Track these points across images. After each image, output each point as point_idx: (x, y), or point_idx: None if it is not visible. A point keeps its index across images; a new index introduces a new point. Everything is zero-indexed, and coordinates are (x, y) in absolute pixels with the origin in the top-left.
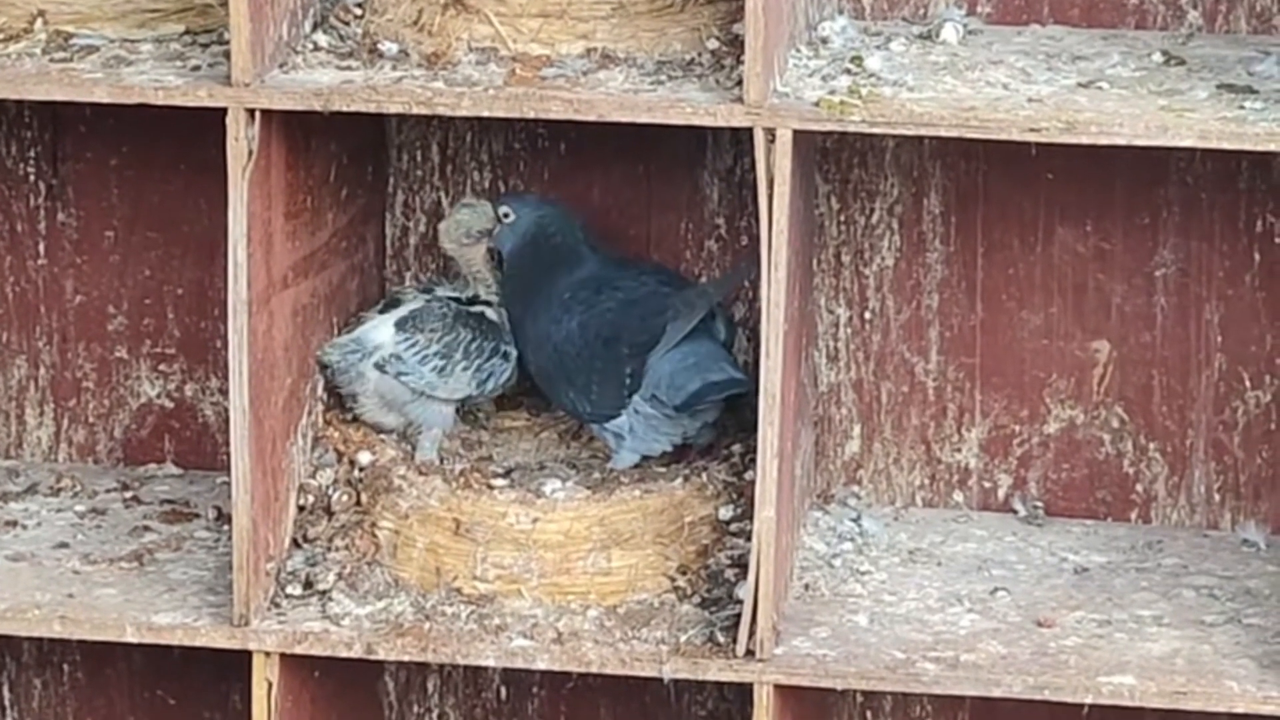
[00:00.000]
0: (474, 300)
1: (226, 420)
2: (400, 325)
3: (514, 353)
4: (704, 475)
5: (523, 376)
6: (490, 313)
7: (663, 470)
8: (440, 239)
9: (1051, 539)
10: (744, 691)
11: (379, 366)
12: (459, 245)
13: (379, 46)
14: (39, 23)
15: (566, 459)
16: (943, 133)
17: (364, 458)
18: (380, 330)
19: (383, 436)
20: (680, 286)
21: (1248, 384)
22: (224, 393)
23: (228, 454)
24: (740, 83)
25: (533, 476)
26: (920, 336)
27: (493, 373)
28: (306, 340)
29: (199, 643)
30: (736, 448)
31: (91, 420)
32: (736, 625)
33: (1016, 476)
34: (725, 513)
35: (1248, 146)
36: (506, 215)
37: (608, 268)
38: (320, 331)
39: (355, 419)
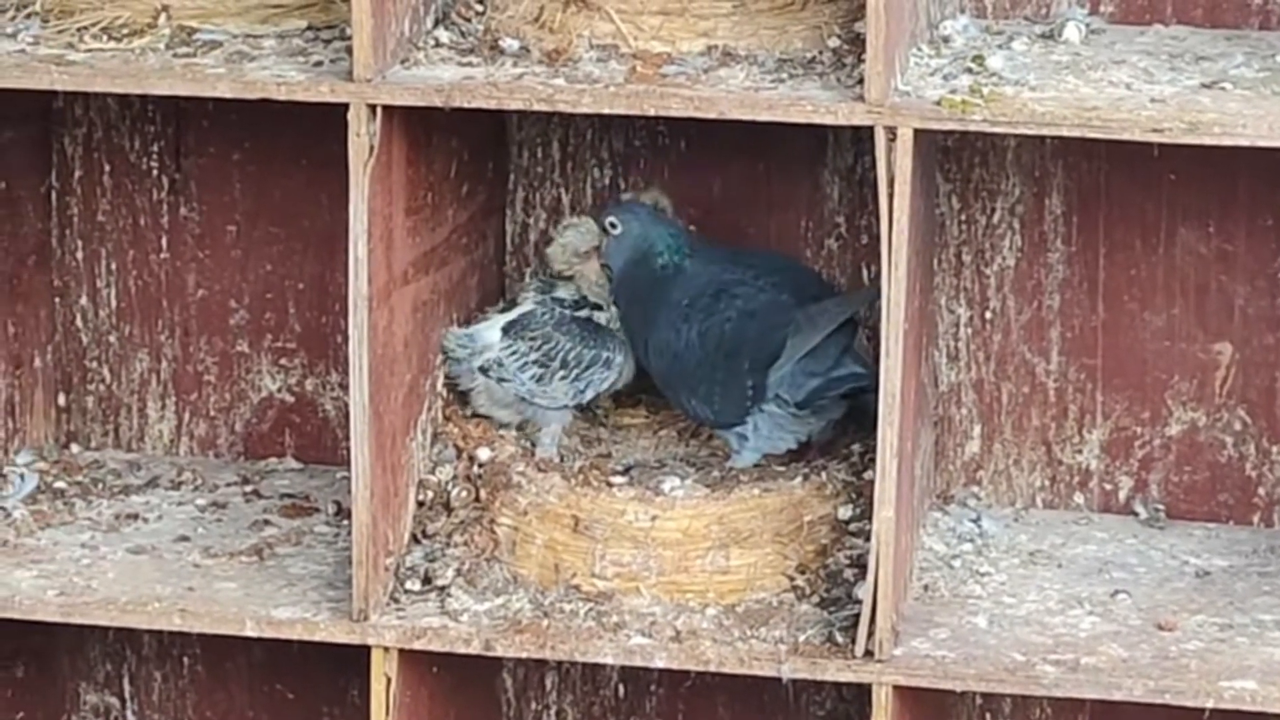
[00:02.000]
0: (582, 303)
1: (346, 415)
2: (506, 330)
3: (619, 359)
4: (823, 474)
5: (640, 373)
6: (601, 316)
7: (782, 469)
8: (549, 261)
9: (1173, 542)
10: (862, 692)
11: (483, 370)
12: (569, 266)
13: (500, 43)
14: (163, 18)
15: (685, 457)
16: (1065, 132)
17: (483, 454)
18: (491, 331)
19: (501, 432)
20: (798, 286)
21: None
22: (344, 388)
23: (348, 449)
24: (861, 81)
25: (651, 474)
26: (1041, 337)
27: (591, 382)
28: (426, 336)
29: (318, 637)
30: (856, 447)
31: (213, 414)
32: (855, 625)
33: (1138, 479)
34: (844, 512)
35: None
36: (614, 226)
37: (722, 266)
38: (440, 327)
39: (474, 415)
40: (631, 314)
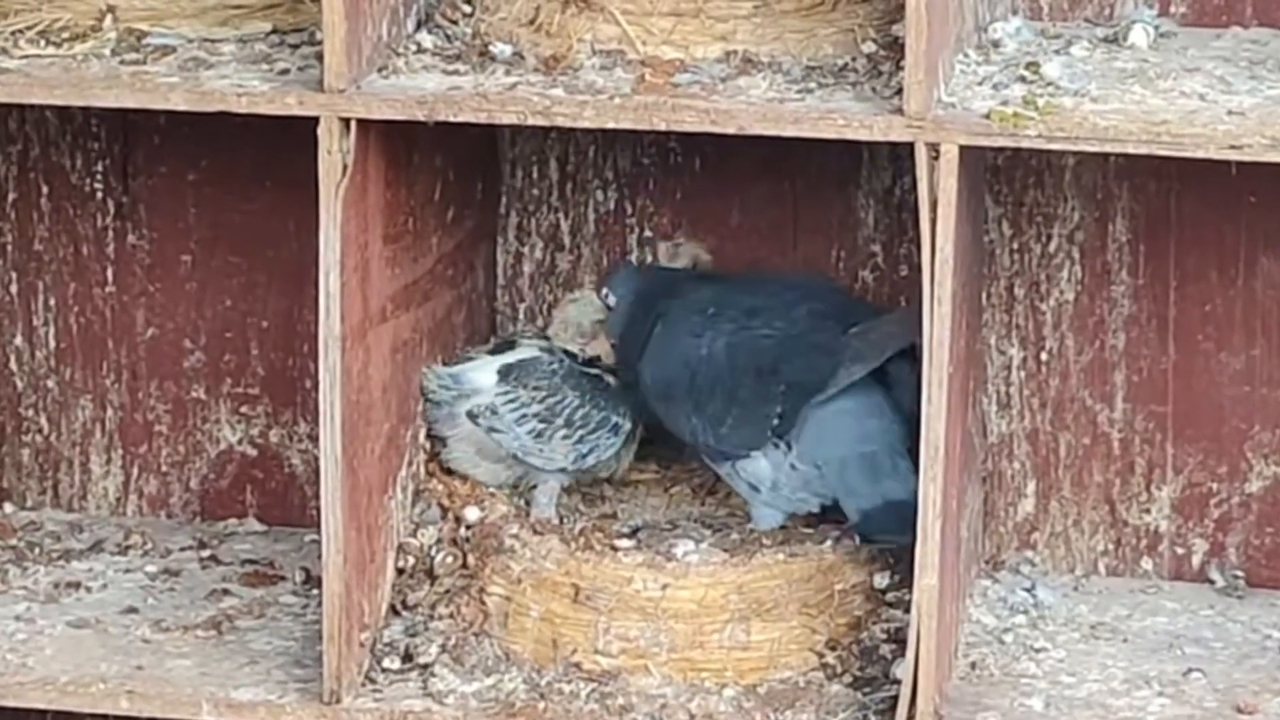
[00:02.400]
0: (593, 361)
1: (316, 470)
2: (504, 374)
3: (626, 426)
4: (856, 538)
5: (649, 428)
6: (611, 378)
7: (809, 531)
8: (554, 340)
9: (1253, 613)
10: None
11: (471, 416)
12: (576, 344)
13: (491, 48)
14: (108, 20)
15: (701, 517)
16: (1130, 149)
17: (471, 514)
18: (483, 373)
19: (493, 490)
20: (838, 313)
21: None
22: (314, 439)
23: (317, 508)
24: (900, 91)
25: (662, 537)
26: (1104, 381)
27: (596, 447)
28: (408, 380)
29: None
30: None
31: (164, 469)
32: (893, 709)
33: (1214, 542)
34: (881, 580)
35: None
36: (608, 298)
37: (756, 285)
38: (423, 369)
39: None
40: (629, 335)
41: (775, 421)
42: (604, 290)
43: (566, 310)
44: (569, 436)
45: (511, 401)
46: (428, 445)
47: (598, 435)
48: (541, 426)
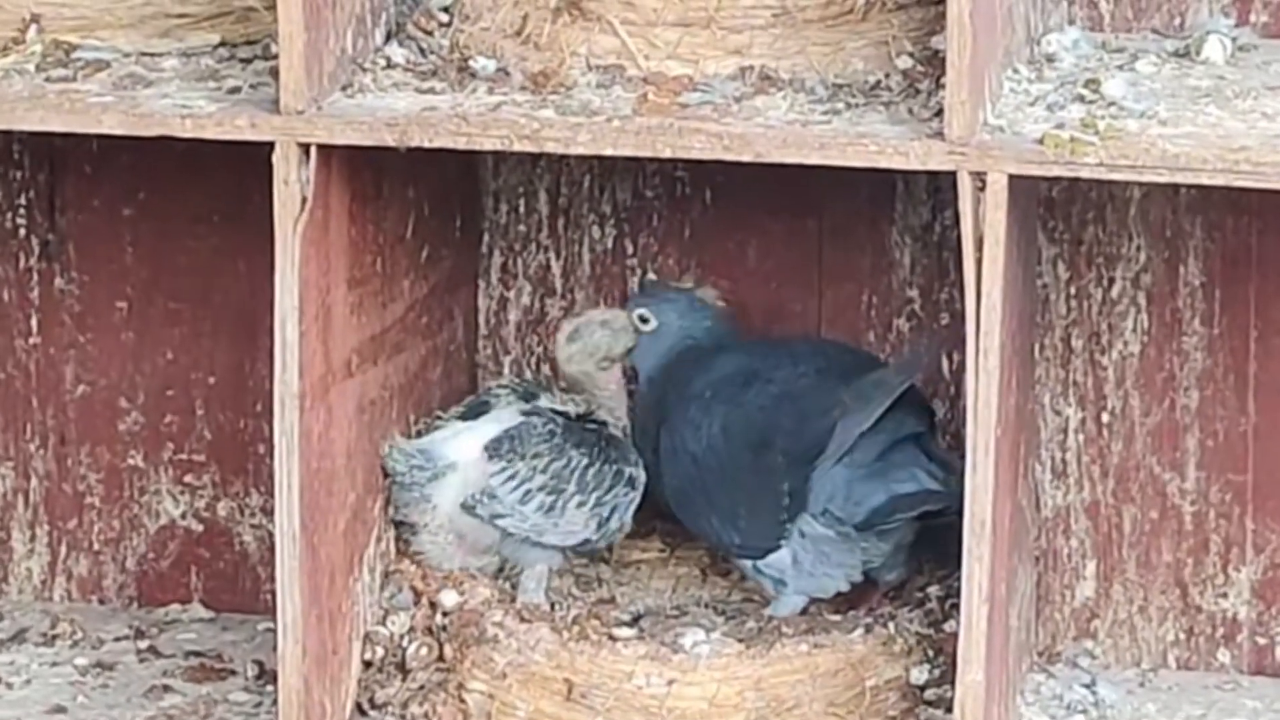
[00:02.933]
0: (587, 416)
1: (271, 548)
2: (494, 451)
3: (641, 477)
4: (891, 625)
5: (654, 498)
6: (610, 428)
7: (836, 618)
8: (564, 363)
9: None
10: None
11: (467, 508)
12: (591, 372)
13: (471, 63)
14: (32, 31)
15: (711, 602)
16: (1205, 180)
17: (449, 599)
18: (459, 444)
19: (474, 572)
20: (853, 369)
21: None
22: (268, 512)
23: (272, 592)
24: (940, 113)
25: (667, 625)
26: (1174, 446)
27: (616, 507)
28: (375, 445)
29: None
30: (933, 589)
31: (97, 547)
32: None
33: None
34: (919, 675)
35: None
36: (645, 321)
37: (761, 354)
38: (393, 433)
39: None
40: (644, 417)
41: (787, 502)
42: (638, 311)
43: (595, 335)
44: (584, 503)
45: (510, 479)
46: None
47: (615, 494)
48: (551, 499)
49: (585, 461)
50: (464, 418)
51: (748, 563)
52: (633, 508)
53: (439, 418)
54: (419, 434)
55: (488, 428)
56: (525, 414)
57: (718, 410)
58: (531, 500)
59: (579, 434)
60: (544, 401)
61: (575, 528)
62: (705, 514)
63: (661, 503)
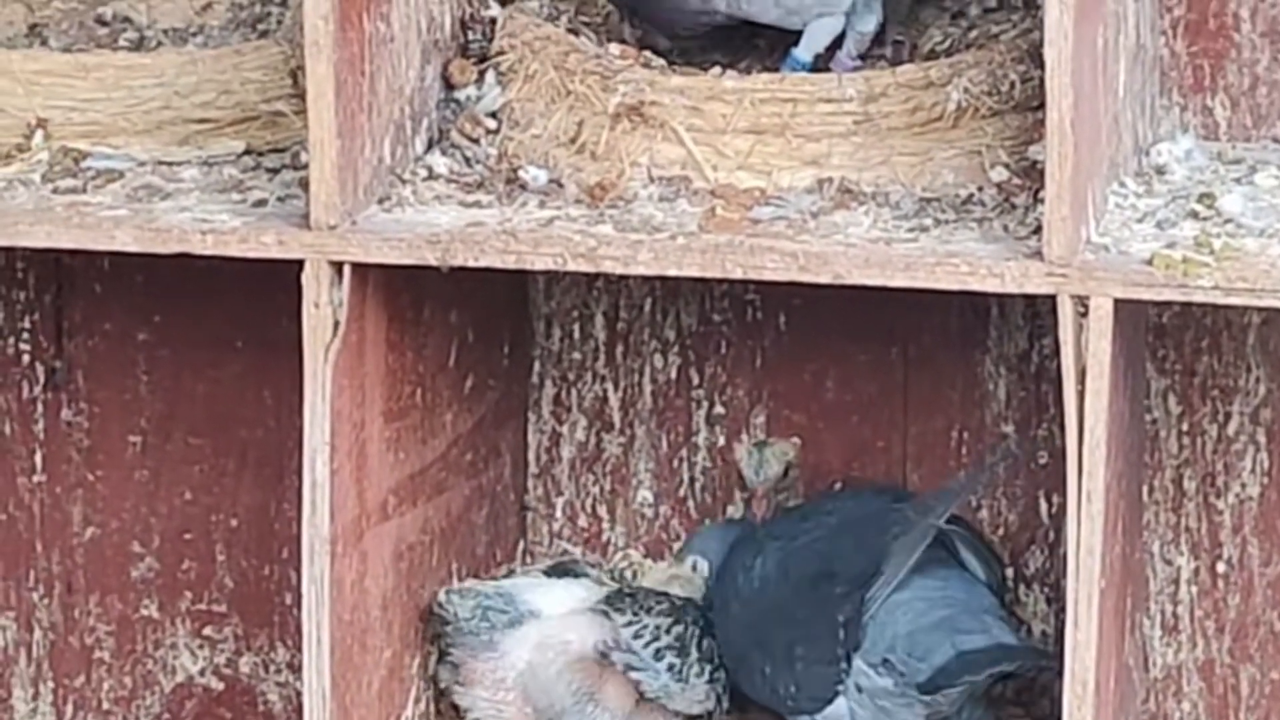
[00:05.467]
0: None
1: (299, 709)
2: (613, 603)
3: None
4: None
5: None
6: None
7: None
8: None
9: None
10: None
11: (603, 654)
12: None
13: (521, 174)
14: (38, 136)
15: None
16: None
17: None
18: (546, 595)
19: None
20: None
21: None
22: (295, 669)
23: None
24: (1038, 230)
25: None
26: None
27: (720, 682)
28: (413, 594)
29: None
30: None
31: (106, 706)
32: None
33: None
34: None
35: None
36: (695, 567)
37: (826, 498)
38: (433, 583)
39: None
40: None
41: (842, 635)
42: (690, 559)
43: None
44: (702, 673)
45: (640, 633)
46: (442, 675)
47: (720, 669)
48: (678, 661)
49: (698, 631)
50: (548, 574)
51: (805, 718)
52: (725, 688)
53: (511, 571)
54: (478, 575)
55: (580, 590)
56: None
57: (772, 548)
58: (663, 658)
59: (685, 607)
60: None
61: (699, 696)
62: (757, 664)
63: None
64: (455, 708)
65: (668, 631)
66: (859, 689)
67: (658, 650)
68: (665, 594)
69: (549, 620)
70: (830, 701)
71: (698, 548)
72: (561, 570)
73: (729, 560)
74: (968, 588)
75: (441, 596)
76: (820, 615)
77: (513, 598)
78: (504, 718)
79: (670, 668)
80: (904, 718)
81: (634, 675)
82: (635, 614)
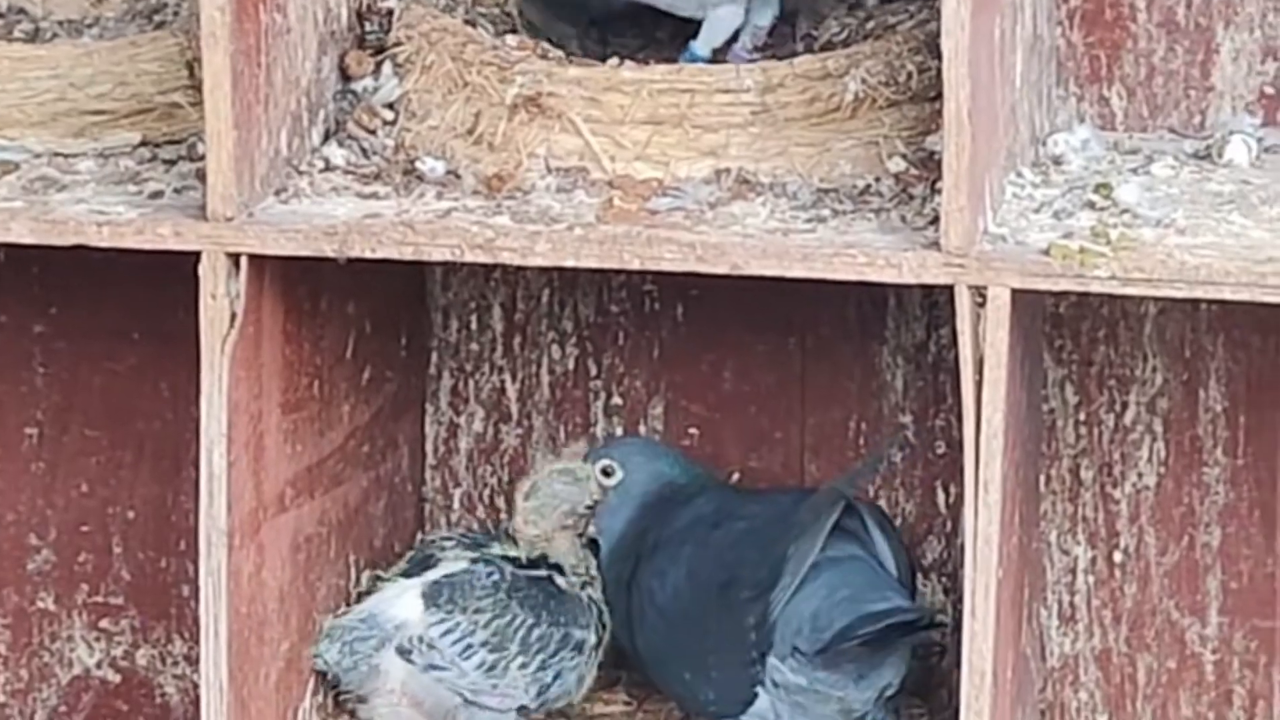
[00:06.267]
0: (540, 562)
1: (195, 702)
2: (432, 598)
3: (592, 641)
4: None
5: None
6: (561, 578)
7: None
8: (522, 526)
9: None
10: None
11: (403, 652)
12: (551, 533)
13: (418, 165)
14: None
15: None
16: (1228, 295)
17: None
18: (404, 602)
19: None
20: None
21: None
22: (193, 662)
23: None
24: (936, 220)
25: None
26: (1195, 589)
27: (560, 673)
28: (311, 587)
29: None
30: None
31: (2, 699)
32: None
33: None
34: None
35: None
36: (609, 474)
37: (738, 497)
38: (334, 575)
39: None
40: (617, 578)
41: (753, 637)
42: (601, 462)
43: (554, 486)
44: (527, 664)
45: (450, 631)
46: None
47: (560, 659)
48: (494, 658)
49: (530, 620)
50: (407, 574)
51: None
52: (576, 675)
53: (379, 577)
54: (359, 597)
55: (430, 577)
56: (474, 560)
57: (683, 555)
58: (473, 656)
59: (526, 588)
60: (496, 549)
61: (515, 690)
62: (677, 671)
63: (639, 669)
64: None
65: (485, 626)
66: (775, 684)
67: (467, 648)
68: (500, 574)
69: (413, 625)
70: (750, 703)
71: (618, 456)
72: (423, 563)
73: (643, 566)
74: (872, 570)
75: (313, 648)
76: (729, 621)
77: (375, 619)
78: (403, 718)
79: (480, 664)
80: (819, 710)
81: (435, 675)
82: (448, 612)
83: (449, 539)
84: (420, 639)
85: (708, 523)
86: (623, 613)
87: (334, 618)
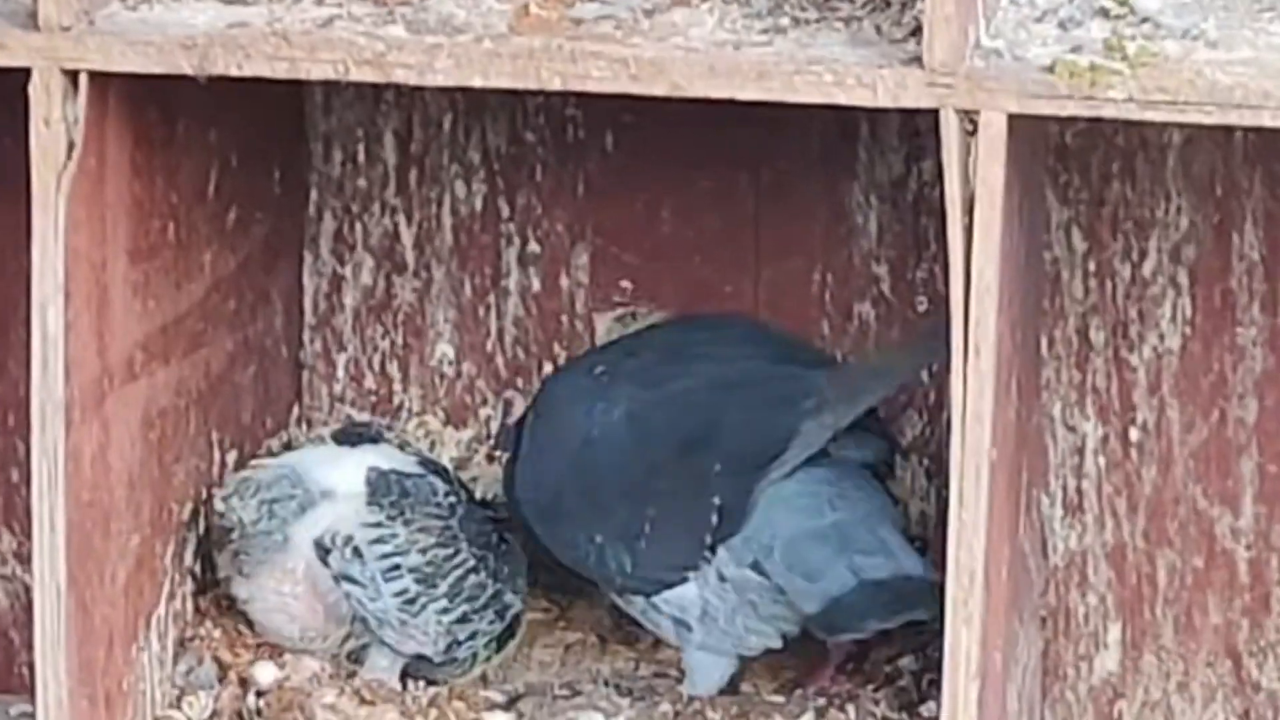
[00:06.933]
0: (491, 502)
1: (27, 607)
2: (378, 491)
3: (516, 607)
4: (850, 709)
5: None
6: (509, 532)
7: (778, 699)
8: None
9: None
10: None
11: (321, 548)
12: None
13: None
14: None
15: (612, 678)
16: (1268, 121)
17: (264, 674)
18: (341, 474)
19: (302, 644)
20: (810, 363)
21: None
22: (24, 560)
23: (30, 665)
24: (917, 31)
25: (555, 708)
26: (1225, 473)
27: (476, 634)
28: (165, 470)
29: None
30: (906, 661)
31: None
32: None
33: None
34: None
35: None
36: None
37: (687, 329)
38: (193, 456)
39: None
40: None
41: (715, 521)
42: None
43: None
44: (449, 611)
45: (382, 541)
46: (199, 570)
47: (483, 617)
48: (417, 590)
49: (471, 563)
50: (339, 440)
51: (639, 599)
52: (488, 639)
53: (294, 440)
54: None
55: (378, 458)
56: (424, 466)
57: (621, 391)
58: (395, 580)
59: (478, 524)
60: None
61: (421, 636)
62: (584, 529)
63: (528, 533)
64: (227, 599)
65: (422, 551)
66: (721, 578)
67: (394, 568)
68: (458, 499)
69: (345, 500)
70: (672, 586)
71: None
72: (355, 436)
73: (558, 393)
74: (860, 484)
75: (219, 504)
76: (687, 490)
77: (300, 477)
78: (290, 611)
79: (402, 594)
80: (771, 611)
81: (346, 588)
82: (390, 513)
83: (390, 427)
84: (347, 540)
85: (650, 360)
86: (511, 447)
87: (247, 470)
